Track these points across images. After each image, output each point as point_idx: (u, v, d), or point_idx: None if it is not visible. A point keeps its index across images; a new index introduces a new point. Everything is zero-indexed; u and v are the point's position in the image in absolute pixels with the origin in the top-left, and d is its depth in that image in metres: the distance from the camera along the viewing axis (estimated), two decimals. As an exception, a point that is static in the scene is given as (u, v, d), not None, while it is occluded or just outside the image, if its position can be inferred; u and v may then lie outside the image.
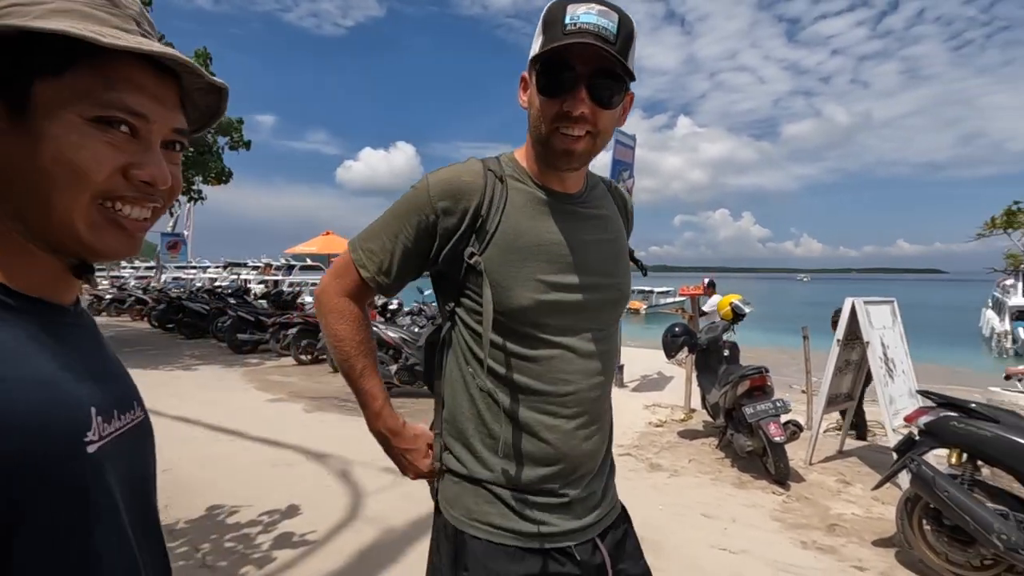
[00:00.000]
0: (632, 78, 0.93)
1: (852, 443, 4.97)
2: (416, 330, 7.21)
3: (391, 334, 6.74)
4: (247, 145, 11.38)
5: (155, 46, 0.49)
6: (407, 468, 1.13)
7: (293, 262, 28.05)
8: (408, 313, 8.44)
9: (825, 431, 5.15)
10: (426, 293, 9.04)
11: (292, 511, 3.39)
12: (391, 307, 9.03)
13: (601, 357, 1.04)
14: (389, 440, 1.11)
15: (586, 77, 0.91)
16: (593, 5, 0.89)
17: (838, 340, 4.26)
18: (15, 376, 0.44)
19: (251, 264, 32.99)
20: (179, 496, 3.52)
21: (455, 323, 1.05)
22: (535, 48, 0.94)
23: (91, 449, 0.49)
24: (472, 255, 0.98)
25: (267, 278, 22.98)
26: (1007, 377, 6.63)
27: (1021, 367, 6.48)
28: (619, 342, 1.14)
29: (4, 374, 0.44)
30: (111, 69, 0.49)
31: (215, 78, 0.56)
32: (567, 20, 0.89)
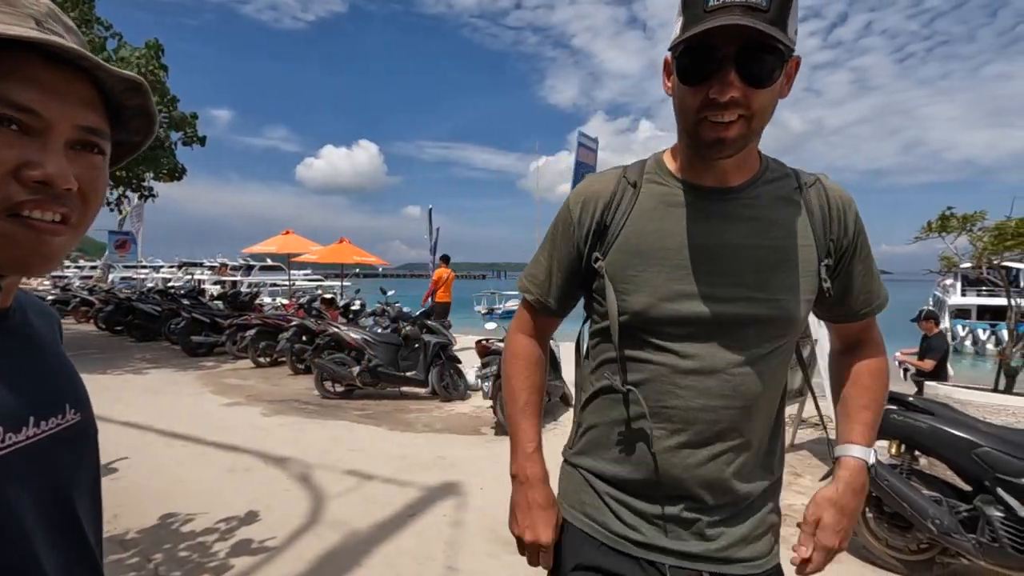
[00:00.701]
0: (791, 48, 0.79)
1: (803, 436, 5.18)
2: (379, 331, 7.12)
3: (353, 335, 6.64)
4: (202, 141, 10.99)
5: (15, 30, 0.45)
6: (525, 527, 1.00)
7: (252, 262, 27.29)
8: (371, 314, 8.33)
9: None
10: (389, 294, 8.94)
11: (250, 517, 3.31)
12: (353, 308, 8.91)
13: (738, 378, 0.89)
14: (527, 489, 1.01)
15: (733, 56, 0.77)
16: None
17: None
18: None
19: (207, 264, 31.92)
20: (130, 505, 3.39)
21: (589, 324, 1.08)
22: (675, 31, 0.82)
23: None
24: (596, 259, 0.97)
25: (223, 279, 22.25)
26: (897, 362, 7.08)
27: (903, 353, 6.94)
28: (780, 367, 0.94)
29: None
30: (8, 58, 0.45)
31: (124, 72, 0.52)
32: None
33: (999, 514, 2.49)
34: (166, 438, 4.86)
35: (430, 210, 12.68)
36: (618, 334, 0.93)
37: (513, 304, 28.16)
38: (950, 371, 6.55)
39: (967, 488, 2.72)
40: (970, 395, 4.33)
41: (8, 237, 0.47)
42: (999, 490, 2.51)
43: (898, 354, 7.02)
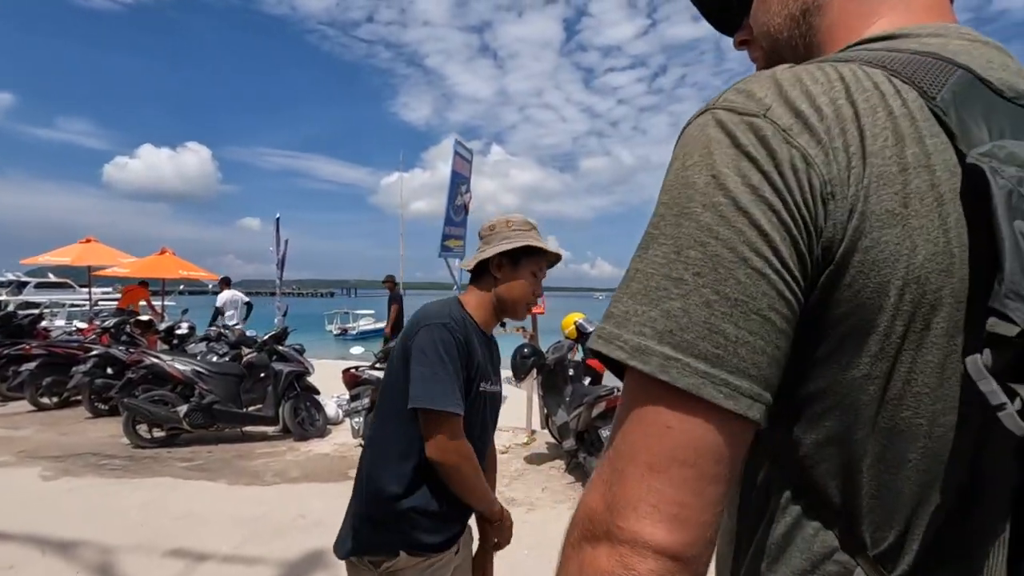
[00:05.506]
0: None
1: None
2: (215, 360, 5.91)
3: (179, 366, 5.40)
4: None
5: (556, 248, 1.55)
6: None
7: (26, 278, 22.16)
8: (204, 339, 6.96)
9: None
10: (228, 315, 7.63)
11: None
12: (179, 331, 7.42)
13: None
14: None
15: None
16: None
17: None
18: None
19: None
20: None
21: None
22: None
23: None
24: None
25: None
26: None
27: None
28: None
29: None
30: (541, 256, 1.50)
31: (559, 252, 1.55)
32: None
33: None
34: None
35: (277, 220, 11.23)
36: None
37: (367, 323, 26.54)
38: None
39: None
40: None
41: (525, 313, 1.56)
42: None
43: None
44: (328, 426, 5.86)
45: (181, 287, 21.25)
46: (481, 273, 1.49)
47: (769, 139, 0.40)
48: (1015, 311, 0.34)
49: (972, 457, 0.41)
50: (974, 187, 0.38)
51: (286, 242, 11.13)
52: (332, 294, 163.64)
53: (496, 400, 1.54)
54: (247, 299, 10.23)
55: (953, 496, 0.42)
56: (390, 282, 9.48)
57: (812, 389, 0.43)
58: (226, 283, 9.98)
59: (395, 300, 9.30)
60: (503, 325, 1.75)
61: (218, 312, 9.19)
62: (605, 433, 3.96)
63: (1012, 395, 0.35)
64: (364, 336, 23.01)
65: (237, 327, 7.83)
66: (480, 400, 1.44)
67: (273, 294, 11.30)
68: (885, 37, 0.48)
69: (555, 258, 1.54)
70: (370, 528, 1.35)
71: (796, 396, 0.44)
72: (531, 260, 1.47)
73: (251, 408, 5.68)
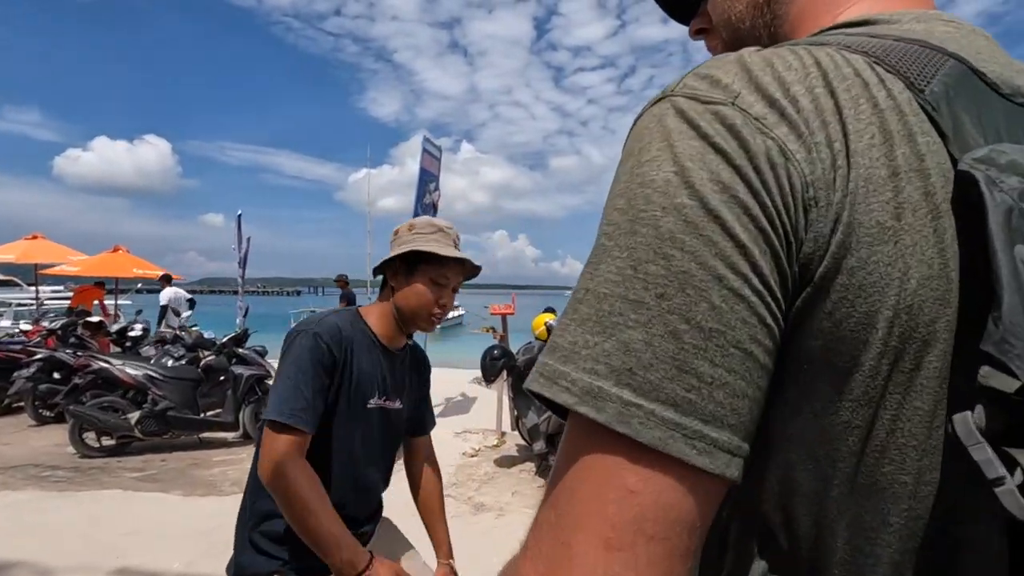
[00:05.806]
0: None
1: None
2: (169, 363, 5.64)
3: (131, 371, 5.13)
4: None
5: (460, 254, 1.34)
6: None
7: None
8: (158, 342, 6.66)
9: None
10: (184, 315, 7.32)
11: None
12: (132, 334, 7.09)
13: None
14: None
15: None
16: None
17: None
18: None
19: None
20: None
21: None
22: None
23: None
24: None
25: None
26: None
27: None
28: None
29: None
30: (441, 262, 1.32)
31: (476, 265, 1.41)
32: None
33: None
34: None
35: (239, 217, 10.84)
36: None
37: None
38: None
39: None
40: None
41: (428, 322, 1.35)
42: None
43: None
44: (291, 431, 5.67)
45: (139, 286, 20.45)
46: (386, 283, 1.39)
47: (739, 128, 0.33)
48: (1014, 360, 0.27)
49: (957, 522, 0.34)
50: (965, 198, 0.31)
51: (248, 240, 10.77)
52: (299, 292, 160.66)
53: (391, 418, 1.40)
54: (189, 296, 10.08)
55: (936, 566, 0.35)
56: (342, 281, 9.70)
57: (778, 433, 0.36)
58: (167, 280, 9.75)
59: (345, 298, 9.44)
60: (409, 337, 1.48)
61: (165, 310, 8.97)
62: (576, 436, 3.92)
63: (1012, 465, 0.27)
64: (331, 336, 22.60)
65: (195, 328, 7.53)
66: (367, 417, 1.33)
67: (236, 292, 10.94)
68: (862, 22, 0.42)
69: (470, 264, 1.38)
70: (250, 548, 1.29)
71: (762, 440, 0.36)
72: (430, 267, 1.32)
73: (210, 413, 5.45)
